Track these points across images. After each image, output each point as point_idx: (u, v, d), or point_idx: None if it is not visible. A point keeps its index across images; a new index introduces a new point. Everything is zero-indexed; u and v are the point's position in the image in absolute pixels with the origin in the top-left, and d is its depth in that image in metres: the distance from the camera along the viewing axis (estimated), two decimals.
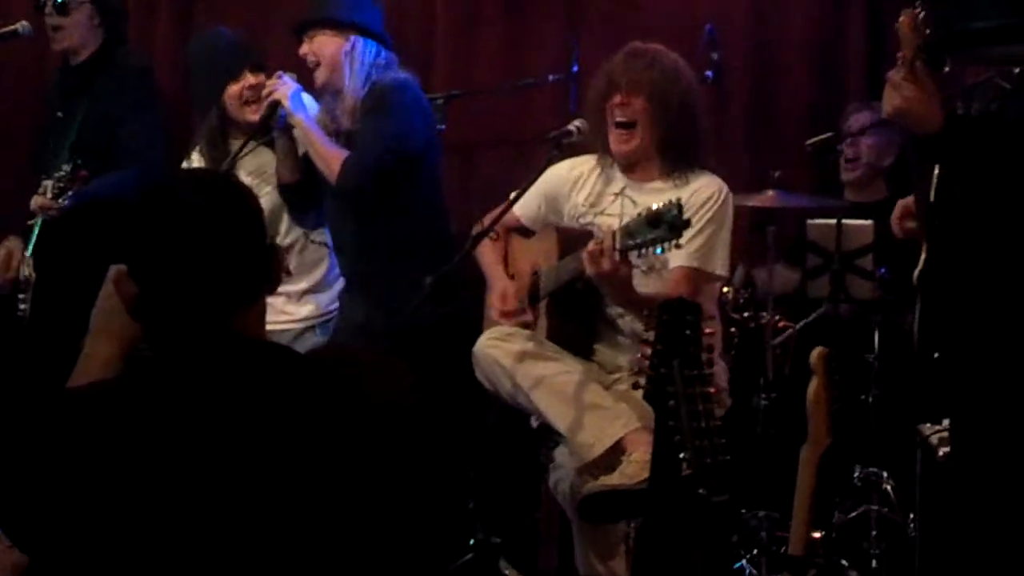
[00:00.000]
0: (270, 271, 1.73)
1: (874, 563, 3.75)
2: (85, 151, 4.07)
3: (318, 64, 3.75)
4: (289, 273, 3.91)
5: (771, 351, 3.97)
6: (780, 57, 4.73)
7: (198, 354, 1.64)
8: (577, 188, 3.46)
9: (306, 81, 3.87)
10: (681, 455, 2.27)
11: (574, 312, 3.32)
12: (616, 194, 3.40)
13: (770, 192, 4.01)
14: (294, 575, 1.56)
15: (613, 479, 2.97)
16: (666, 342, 2.32)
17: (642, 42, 3.42)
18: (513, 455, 3.96)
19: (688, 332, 2.32)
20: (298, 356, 1.69)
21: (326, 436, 1.60)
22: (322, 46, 3.75)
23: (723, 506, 2.24)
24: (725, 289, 4.05)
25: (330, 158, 3.70)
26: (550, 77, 4.56)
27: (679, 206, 2.84)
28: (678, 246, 2.89)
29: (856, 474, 3.84)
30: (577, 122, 3.35)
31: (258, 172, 3.98)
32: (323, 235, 4.01)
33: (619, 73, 3.34)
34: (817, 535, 3.58)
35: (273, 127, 3.83)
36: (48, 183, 4.02)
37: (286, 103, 3.75)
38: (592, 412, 3.08)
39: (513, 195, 3.31)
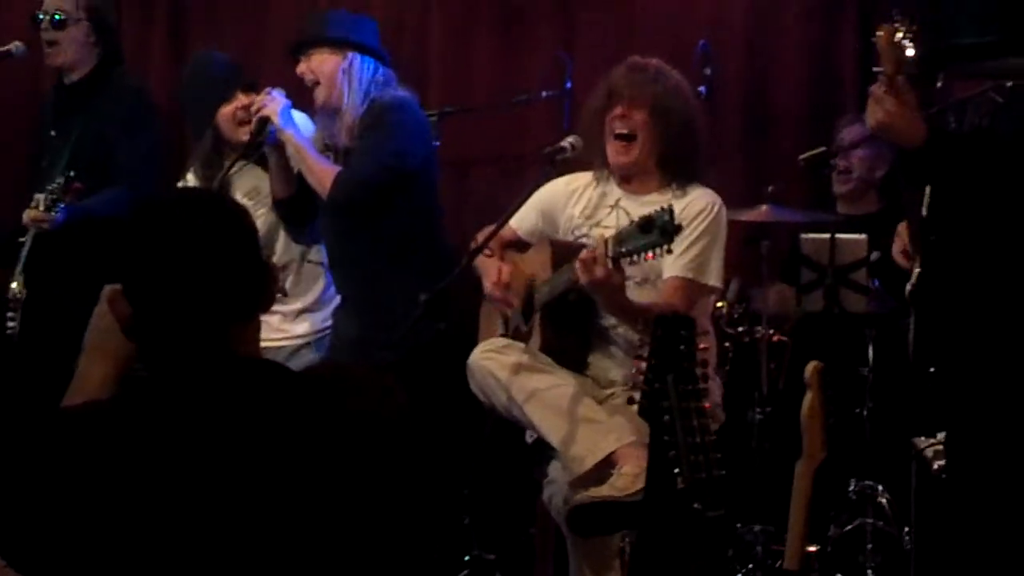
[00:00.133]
0: (264, 289, 1.73)
1: None
2: (80, 170, 4.07)
3: (316, 83, 3.76)
4: (285, 293, 3.92)
5: (766, 365, 3.98)
6: (773, 72, 4.75)
7: (193, 373, 1.64)
8: (573, 201, 3.48)
9: (298, 99, 3.88)
10: (676, 470, 2.27)
11: (568, 324, 3.33)
12: (612, 206, 3.41)
13: (764, 207, 4.02)
14: None
15: (603, 491, 2.97)
16: (661, 357, 2.32)
17: (641, 57, 3.44)
18: (508, 471, 3.96)
19: (682, 347, 2.31)
20: (293, 374, 1.69)
21: (322, 454, 1.60)
22: (320, 64, 3.75)
23: (718, 521, 2.24)
24: (719, 304, 4.06)
25: (322, 173, 3.71)
26: (544, 94, 4.57)
27: (671, 211, 2.85)
28: (669, 251, 2.90)
29: (851, 487, 3.85)
30: (571, 138, 3.36)
31: (252, 193, 3.98)
32: (319, 254, 4.02)
33: (621, 85, 3.35)
34: (813, 549, 3.59)
35: (264, 143, 3.83)
36: (40, 196, 4.02)
37: (275, 119, 3.76)
38: (585, 426, 3.08)
39: (507, 213, 3.32)
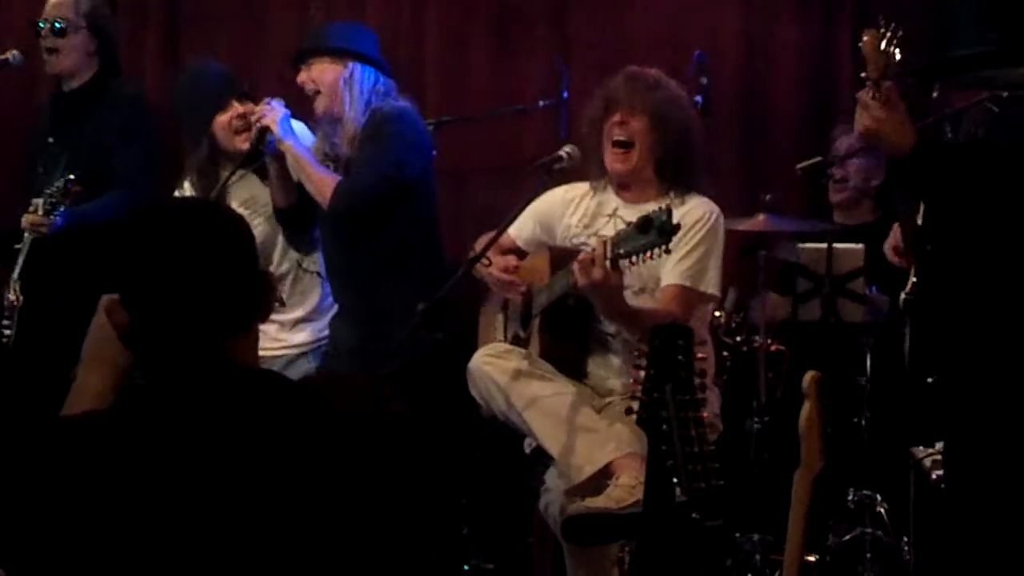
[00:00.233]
0: (262, 299, 1.73)
1: None
2: (78, 177, 4.06)
3: (317, 92, 3.76)
4: (282, 303, 3.92)
5: (764, 375, 3.98)
6: (769, 82, 4.76)
7: (191, 383, 1.63)
8: (571, 210, 3.49)
9: (296, 108, 3.88)
10: (674, 480, 2.27)
11: (567, 330, 3.33)
12: (610, 215, 3.42)
13: (761, 216, 4.02)
14: None
15: (599, 502, 2.97)
16: (659, 367, 2.32)
17: (639, 67, 3.46)
18: (506, 481, 3.96)
19: (680, 357, 2.31)
20: (291, 384, 1.69)
21: (319, 463, 1.60)
22: (321, 74, 3.76)
23: (717, 530, 2.24)
24: (717, 313, 4.06)
25: (322, 183, 3.71)
26: (540, 103, 4.58)
27: (668, 211, 2.86)
28: (668, 251, 2.90)
29: (850, 497, 3.85)
30: (567, 148, 3.36)
31: (249, 203, 3.98)
32: (316, 264, 4.02)
33: (620, 93, 3.36)
34: (811, 558, 3.59)
35: (263, 152, 3.84)
36: (39, 201, 4.02)
37: (275, 128, 3.76)
38: (583, 435, 3.08)
39: (505, 222, 3.32)
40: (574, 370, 3.31)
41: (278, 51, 4.64)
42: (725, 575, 3.78)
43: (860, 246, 3.96)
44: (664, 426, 2.30)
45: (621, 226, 3.32)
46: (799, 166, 4.18)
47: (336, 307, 3.95)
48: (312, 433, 1.61)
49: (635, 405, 2.38)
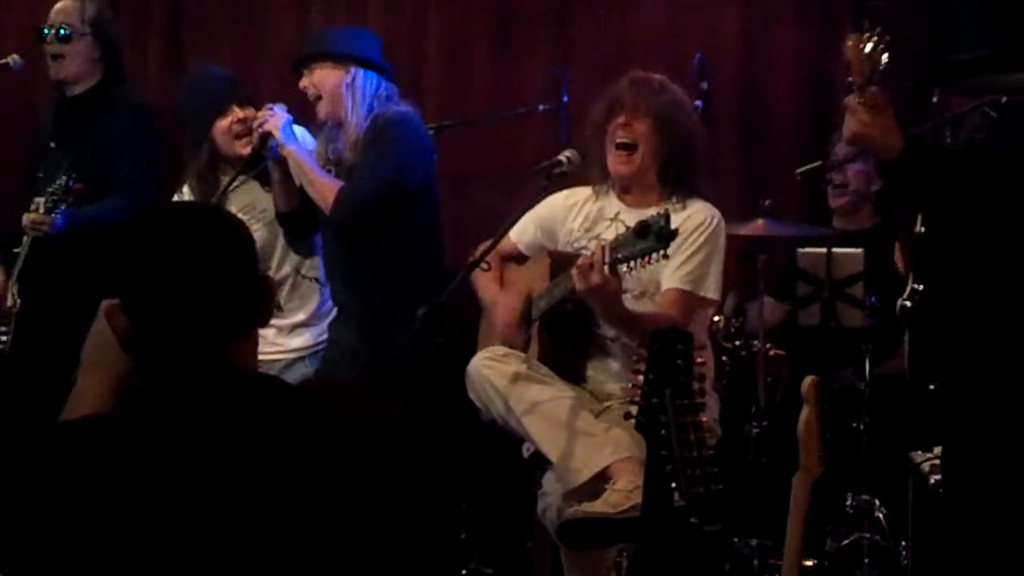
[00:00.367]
0: (262, 304, 1.73)
1: None
2: (80, 183, 4.07)
3: (319, 97, 3.76)
4: (280, 308, 3.92)
5: (763, 380, 3.98)
6: (769, 86, 4.76)
7: (191, 387, 1.64)
8: (573, 215, 3.49)
9: (297, 113, 3.88)
10: (673, 484, 2.27)
11: (566, 334, 3.34)
12: (611, 219, 3.42)
13: (760, 221, 4.02)
14: None
15: (595, 506, 2.97)
16: (658, 371, 2.32)
17: (643, 72, 3.47)
18: (505, 485, 3.96)
19: (680, 361, 2.32)
20: (290, 388, 1.69)
21: (319, 468, 1.60)
22: (323, 79, 3.76)
23: (715, 535, 2.24)
24: (716, 318, 4.06)
25: (324, 188, 3.71)
26: (540, 107, 4.58)
27: (666, 216, 2.87)
28: (666, 256, 2.91)
29: (848, 502, 3.84)
30: (568, 152, 3.37)
31: (248, 208, 3.98)
32: (315, 269, 4.02)
33: (624, 96, 3.38)
34: (809, 563, 3.59)
35: (264, 158, 3.84)
36: (40, 200, 4.02)
37: (277, 134, 3.76)
38: (582, 439, 3.08)
39: (505, 226, 3.32)
40: (573, 374, 3.31)
41: (280, 55, 4.64)
42: None
43: (859, 251, 3.97)
44: (663, 431, 2.30)
45: (623, 230, 3.33)
46: (799, 171, 4.18)
47: (335, 311, 3.95)
48: (312, 437, 1.61)
49: (634, 410, 2.38)
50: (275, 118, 3.78)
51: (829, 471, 2.59)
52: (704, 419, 2.32)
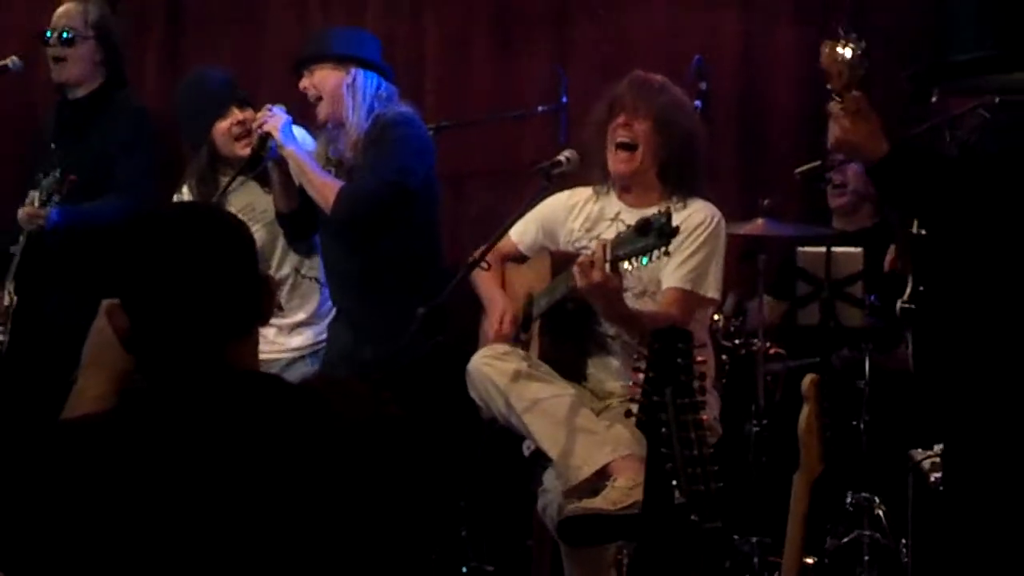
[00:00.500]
0: (262, 303, 1.74)
1: None
2: (78, 185, 4.07)
3: (320, 98, 3.76)
4: (280, 308, 3.92)
5: (762, 378, 3.99)
6: (768, 86, 4.77)
7: (191, 386, 1.64)
8: (574, 215, 3.50)
9: (296, 114, 3.89)
10: (674, 482, 2.28)
11: (566, 333, 3.34)
12: (612, 219, 3.43)
13: (759, 220, 4.03)
14: None
15: (595, 503, 2.97)
16: (658, 370, 2.33)
17: (644, 72, 3.47)
18: (505, 483, 3.96)
19: (680, 360, 2.32)
20: (291, 387, 1.69)
21: (318, 467, 1.60)
22: (323, 80, 3.76)
23: (715, 533, 2.25)
24: (716, 317, 4.06)
25: (324, 188, 3.71)
26: (539, 108, 4.58)
27: (668, 214, 2.87)
28: (667, 253, 2.91)
29: (848, 500, 3.85)
30: (567, 152, 3.37)
31: (247, 210, 3.98)
32: (315, 269, 4.03)
33: (625, 96, 3.38)
34: (810, 561, 3.59)
35: (264, 158, 3.84)
36: (34, 193, 4.03)
37: (277, 135, 3.76)
38: (582, 436, 3.09)
39: (504, 226, 3.33)
40: (573, 373, 3.32)
41: (279, 56, 4.65)
42: None
43: (859, 250, 3.97)
44: (663, 429, 2.31)
45: (623, 230, 3.34)
46: (798, 171, 4.19)
47: (335, 311, 3.95)
48: (312, 436, 1.62)
49: (634, 408, 2.39)
50: (274, 119, 3.78)
51: (829, 469, 2.60)
52: (704, 417, 2.33)
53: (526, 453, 3.33)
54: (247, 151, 3.89)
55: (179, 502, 1.54)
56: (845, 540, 3.81)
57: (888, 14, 4.45)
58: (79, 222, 4.04)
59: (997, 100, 2.80)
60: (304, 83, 3.78)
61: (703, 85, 4.27)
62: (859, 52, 2.51)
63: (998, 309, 2.64)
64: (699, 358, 2.35)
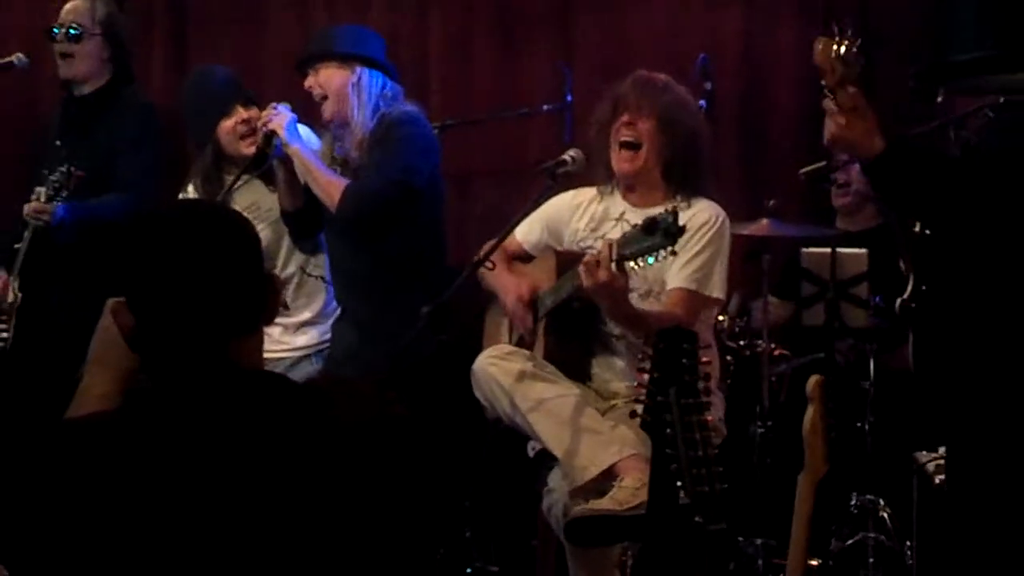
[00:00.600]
0: (267, 301, 1.73)
1: None
2: (84, 182, 4.07)
3: (324, 97, 3.76)
4: (286, 307, 3.92)
5: (767, 379, 3.98)
6: (772, 86, 4.77)
7: (196, 385, 1.64)
8: (579, 215, 3.50)
9: (301, 112, 3.88)
10: (678, 483, 2.27)
11: (571, 332, 3.34)
12: (617, 219, 3.43)
13: (764, 221, 4.03)
14: None
15: (603, 503, 2.97)
16: (663, 370, 2.32)
17: (647, 71, 3.47)
18: (510, 483, 3.96)
19: (685, 360, 2.32)
20: (295, 386, 1.69)
21: (322, 466, 1.60)
22: (328, 79, 3.75)
23: (720, 534, 2.24)
24: (721, 317, 4.06)
25: (329, 186, 3.71)
26: (544, 107, 4.58)
27: (674, 213, 2.87)
28: (674, 253, 2.91)
29: (853, 501, 3.85)
30: (572, 152, 3.37)
31: (252, 208, 3.98)
32: (320, 268, 4.03)
33: (628, 96, 3.38)
34: (814, 563, 3.59)
35: (269, 157, 3.84)
36: (41, 189, 4.03)
37: (282, 133, 3.76)
38: (587, 436, 3.08)
39: (509, 225, 3.32)
40: (578, 372, 3.31)
41: (283, 54, 4.65)
42: None
43: (864, 251, 3.97)
44: (668, 429, 2.30)
45: (628, 229, 3.33)
46: (802, 171, 4.19)
47: (340, 310, 3.95)
48: (317, 435, 1.62)
49: (639, 408, 2.38)
50: (279, 117, 3.78)
51: (834, 471, 2.59)
52: (709, 418, 2.32)
53: (531, 453, 3.33)
54: (252, 149, 3.89)
55: (185, 501, 1.54)
56: (850, 542, 3.81)
57: (889, 14, 4.45)
58: (85, 218, 4.04)
59: (1002, 100, 2.79)
60: (309, 82, 3.78)
61: (708, 85, 4.27)
62: (853, 49, 2.50)
63: (999, 309, 2.63)
64: (704, 359, 2.35)
